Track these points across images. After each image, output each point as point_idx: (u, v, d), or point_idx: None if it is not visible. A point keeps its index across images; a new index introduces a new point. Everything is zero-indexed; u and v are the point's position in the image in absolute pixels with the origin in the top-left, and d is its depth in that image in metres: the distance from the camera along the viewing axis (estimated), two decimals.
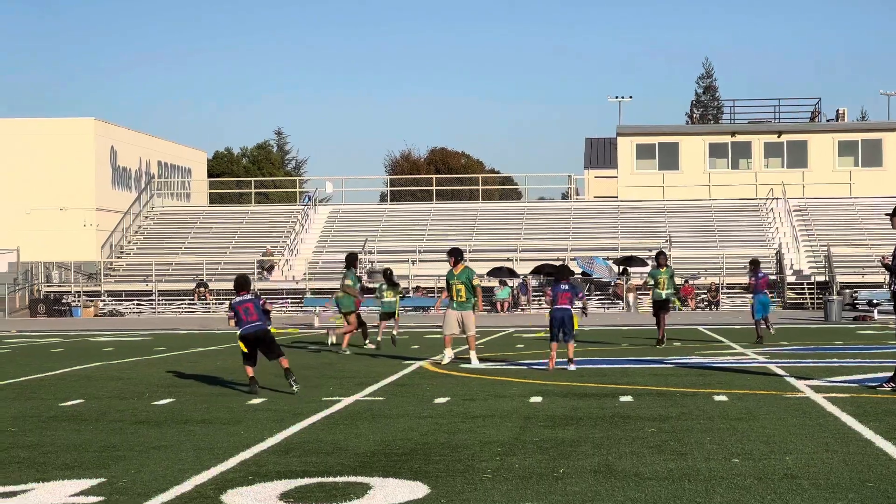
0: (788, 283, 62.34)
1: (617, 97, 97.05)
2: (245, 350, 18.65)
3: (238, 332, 18.68)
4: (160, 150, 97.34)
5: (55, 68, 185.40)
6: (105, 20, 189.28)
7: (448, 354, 24.42)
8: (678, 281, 51.92)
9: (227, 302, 62.90)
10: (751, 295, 33.59)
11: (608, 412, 15.44)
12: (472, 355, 24.10)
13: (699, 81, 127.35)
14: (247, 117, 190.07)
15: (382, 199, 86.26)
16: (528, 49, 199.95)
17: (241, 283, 18.87)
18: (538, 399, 17.11)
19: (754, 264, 33.12)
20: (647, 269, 64.30)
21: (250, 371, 18.78)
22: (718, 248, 66.07)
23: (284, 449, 12.58)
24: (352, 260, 29.80)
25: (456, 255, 24.69)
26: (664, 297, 30.35)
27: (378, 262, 64.91)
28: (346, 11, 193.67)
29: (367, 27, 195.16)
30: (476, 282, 24.43)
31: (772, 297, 60.97)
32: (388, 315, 31.29)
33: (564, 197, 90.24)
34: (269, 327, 18.80)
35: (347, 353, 28.16)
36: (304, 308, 57.80)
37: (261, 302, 18.92)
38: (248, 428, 14.23)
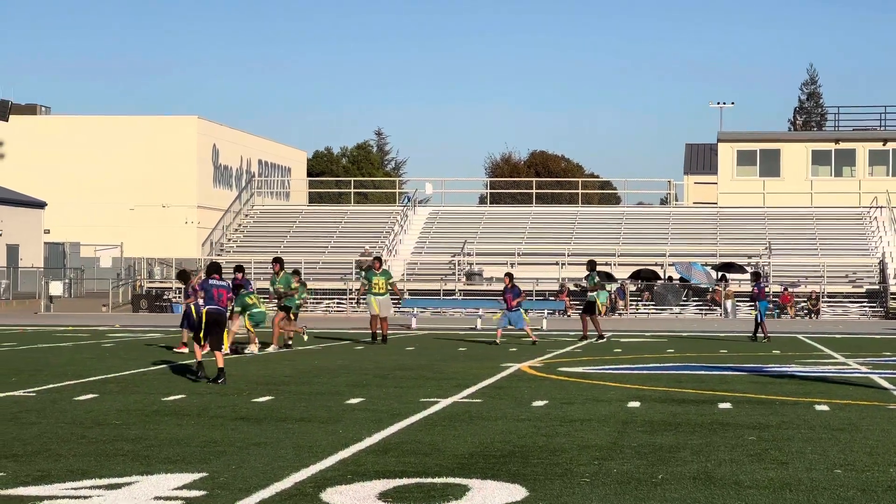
0: (892, 293, 61.51)
1: (718, 103, 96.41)
2: (202, 326, 20.34)
3: (205, 308, 20.37)
4: (261, 148, 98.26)
5: (159, 66, 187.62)
6: (209, 18, 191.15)
7: None
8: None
9: (324, 301, 63.49)
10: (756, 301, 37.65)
11: (707, 419, 15.35)
12: None
13: (803, 88, 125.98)
14: (347, 117, 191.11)
15: (482, 201, 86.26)
16: (630, 54, 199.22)
17: (216, 269, 20.79)
18: (636, 404, 17.05)
19: (756, 276, 38.14)
20: (747, 276, 63.95)
21: (200, 354, 20.47)
22: (820, 256, 65.35)
23: (383, 449, 12.63)
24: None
25: None
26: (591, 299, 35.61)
27: (476, 264, 64.98)
28: (447, 14, 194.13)
29: (469, 30, 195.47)
30: None
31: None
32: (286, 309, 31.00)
33: (663, 202, 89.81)
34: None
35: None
36: (401, 309, 57.92)
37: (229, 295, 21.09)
38: (346, 427, 14.30)
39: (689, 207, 79.55)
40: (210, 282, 20.60)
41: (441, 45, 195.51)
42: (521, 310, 34.03)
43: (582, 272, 63.48)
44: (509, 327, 34.25)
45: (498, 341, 33.34)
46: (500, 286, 61.70)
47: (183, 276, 27.85)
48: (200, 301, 20.35)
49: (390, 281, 33.33)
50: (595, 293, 35.98)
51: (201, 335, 20.46)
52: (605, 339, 35.15)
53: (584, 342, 34.07)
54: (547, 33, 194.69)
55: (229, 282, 22.05)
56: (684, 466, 11.56)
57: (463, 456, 12.15)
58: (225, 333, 26.25)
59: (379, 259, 33.96)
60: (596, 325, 35.76)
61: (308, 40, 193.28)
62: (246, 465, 11.45)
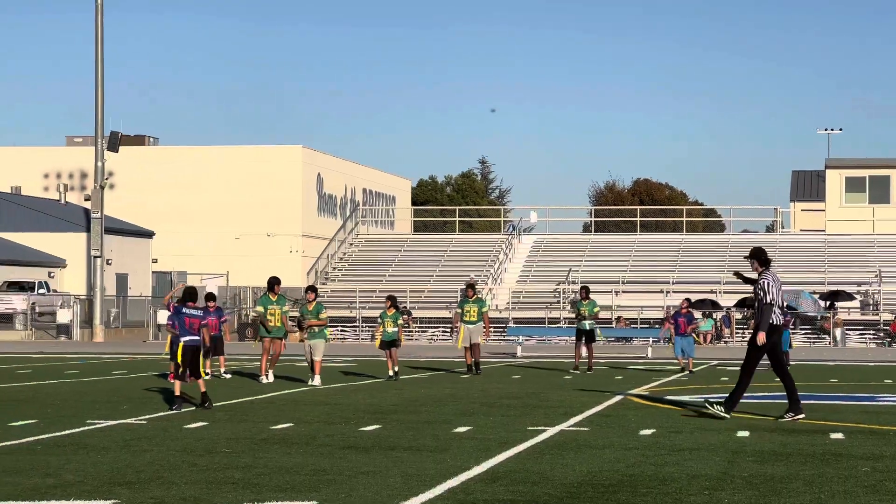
0: None
1: (826, 129, 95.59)
2: (180, 361, 20.24)
3: (181, 341, 20.34)
4: (365, 177, 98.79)
5: (264, 96, 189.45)
6: (313, 48, 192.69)
7: None
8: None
9: (429, 329, 63.58)
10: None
11: (819, 449, 15.16)
12: None
13: None
14: (451, 146, 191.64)
15: (585, 229, 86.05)
16: (735, 81, 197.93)
17: (193, 295, 20.61)
18: (745, 433, 16.88)
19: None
20: (856, 304, 63.13)
21: (179, 388, 20.33)
22: None
23: (491, 477, 12.61)
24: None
25: None
26: (588, 327, 33.61)
27: None
28: (550, 45, 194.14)
29: (572, 61, 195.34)
30: None
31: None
32: (388, 344, 29.53)
33: (769, 230, 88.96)
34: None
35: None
36: (506, 337, 57.91)
37: (204, 322, 21.00)
38: (454, 456, 14.29)
39: (796, 235, 78.80)
40: (185, 310, 20.44)
41: (545, 74, 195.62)
42: (693, 336, 33.83)
43: (680, 299, 63.07)
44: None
45: (682, 365, 33.39)
46: (604, 315, 61.75)
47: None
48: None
49: (483, 310, 32.42)
50: (593, 322, 33.91)
51: (181, 369, 20.37)
52: (592, 372, 32.93)
53: (578, 372, 32.77)
54: (651, 63, 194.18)
55: (201, 309, 21.47)
56: (797, 497, 11.41)
57: (572, 485, 12.09)
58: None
59: (472, 286, 33.15)
60: (589, 355, 33.84)
61: (412, 69, 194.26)
62: (355, 494, 11.48)
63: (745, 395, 19.43)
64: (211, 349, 28.12)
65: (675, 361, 34.17)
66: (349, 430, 17.25)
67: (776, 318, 19.11)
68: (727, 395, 19.49)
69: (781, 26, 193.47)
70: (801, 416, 18.90)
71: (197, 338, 20.45)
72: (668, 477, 12.67)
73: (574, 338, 34.72)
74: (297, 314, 28.95)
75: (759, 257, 19.41)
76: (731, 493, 11.68)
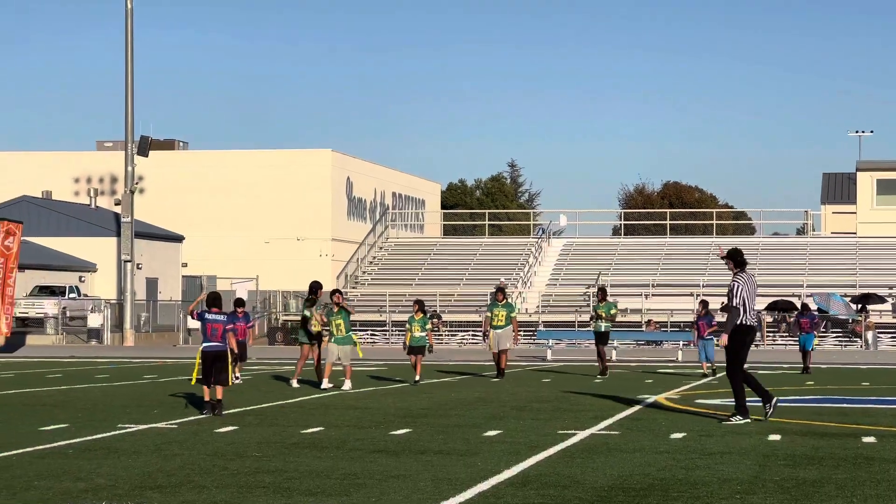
0: None
1: (857, 132, 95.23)
2: (198, 366, 20.19)
3: (201, 347, 20.24)
4: (395, 181, 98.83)
5: (293, 100, 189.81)
6: (342, 52, 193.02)
7: None
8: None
9: (460, 334, 63.56)
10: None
11: (851, 453, 15.09)
12: None
13: None
14: (480, 149, 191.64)
15: (615, 232, 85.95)
16: (765, 83, 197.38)
17: (216, 301, 20.28)
18: (777, 437, 16.81)
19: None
20: (887, 307, 62.86)
21: (207, 394, 20.12)
22: None
23: (522, 481, 12.60)
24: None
25: None
26: (603, 329, 33.21)
27: (611, 295, 64.54)
28: (578, 47, 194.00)
29: (601, 62, 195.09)
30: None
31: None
32: (416, 350, 29.25)
33: (800, 232, 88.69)
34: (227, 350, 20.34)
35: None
36: (536, 341, 57.83)
37: (230, 326, 20.51)
38: (485, 459, 14.28)
39: (827, 238, 78.52)
40: (207, 316, 20.11)
41: (573, 77, 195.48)
42: (714, 340, 33.45)
43: (715, 304, 62.90)
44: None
45: (706, 371, 32.91)
46: (634, 318, 61.71)
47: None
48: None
49: (511, 314, 31.77)
50: (609, 323, 33.37)
51: (203, 375, 20.12)
52: (607, 376, 32.34)
53: (606, 376, 32.17)
54: (680, 65, 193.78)
55: (227, 314, 20.98)
56: (829, 502, 11.37)
57: (602, 489, 12.07)
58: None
59: (502, 290, 32.62)
60: (603, 357, 33.54)
61: (441, 73, 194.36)
62: (385, 498, 11.48)
63: (771, 398, 19.25)
64: (239, 355, 28.05)
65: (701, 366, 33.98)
66: (379, 433, 17.26)
67: (747, 319, 18.79)
68: (734, 406, 19.16)
69: (812, 28, 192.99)
70: (746, 420, 18.73)
71: (217, 343, 20.16)
72: (698, 481, 12.64)
73: (594, 341, 33.99)
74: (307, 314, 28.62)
75: (735, 258, 19.20)
76: (762, 496, 11.64)
